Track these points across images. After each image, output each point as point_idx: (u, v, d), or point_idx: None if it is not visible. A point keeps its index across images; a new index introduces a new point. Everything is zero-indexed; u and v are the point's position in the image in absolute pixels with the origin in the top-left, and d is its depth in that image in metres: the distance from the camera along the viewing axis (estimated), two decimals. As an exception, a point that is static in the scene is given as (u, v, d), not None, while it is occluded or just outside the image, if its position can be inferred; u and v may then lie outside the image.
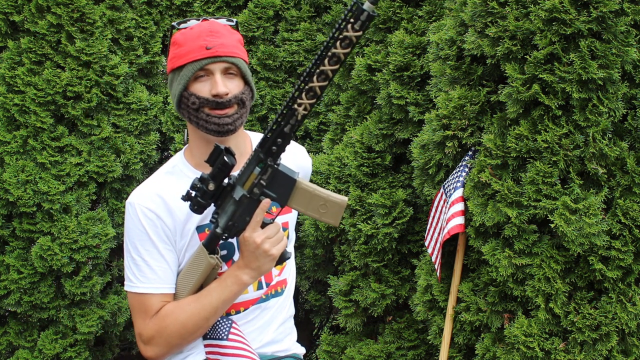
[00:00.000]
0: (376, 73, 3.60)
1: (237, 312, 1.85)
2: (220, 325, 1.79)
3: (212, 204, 1.70)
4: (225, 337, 1.78)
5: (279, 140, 1.62)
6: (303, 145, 4.44)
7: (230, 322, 1.80)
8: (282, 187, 1.68)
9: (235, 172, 1.71)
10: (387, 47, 3.60)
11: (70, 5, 3.93)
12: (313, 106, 1.58)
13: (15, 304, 3.91)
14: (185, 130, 3.27)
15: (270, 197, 1.68)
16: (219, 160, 1.64)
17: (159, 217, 1.72)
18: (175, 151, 4.49)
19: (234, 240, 1.81)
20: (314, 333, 4.99)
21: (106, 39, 4.05)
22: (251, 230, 1.67)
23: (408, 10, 3.61)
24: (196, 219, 1.76)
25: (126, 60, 4.26)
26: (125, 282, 1.78)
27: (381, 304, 3.51)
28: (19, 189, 3.81)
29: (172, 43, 1.76)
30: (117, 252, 4.33)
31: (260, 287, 1.87)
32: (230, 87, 1.72)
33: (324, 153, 3.95)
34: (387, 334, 3.57)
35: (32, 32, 3.96)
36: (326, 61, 1.53)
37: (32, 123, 3.88)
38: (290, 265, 1.99)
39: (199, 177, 1.66)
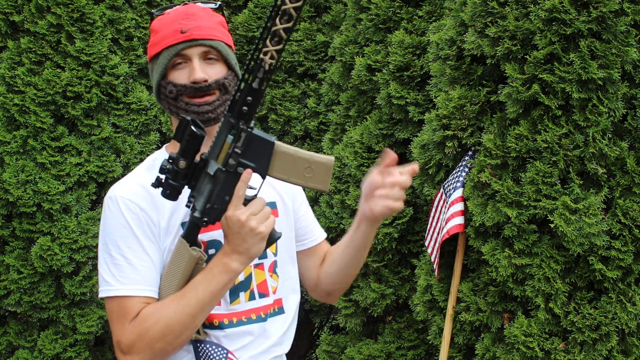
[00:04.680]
0: (376, 73, 3.59)
1: (221, 323, 1.61)
2: (214, 355, 1.60)
3: (187, 187, 1.50)
4: None
5: (249, 98, 1.44)
6: (303, 145, 4.43)
7: (225, 351, 1.61)
8: (260, 154, 1.49)
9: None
10: (387, 47, 3.59)
11: (70, 5, 3.92)
12: (280, 53, 1.41)
13: (15, 304, 3.91)
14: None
15: (248, 167, 1.49)
16: (186, 132, 1.45)
17: (144, 210, 1.55)
18: (175, 151, 4.48)
19: (220, 237, 1.60)
20: (314, 333, 4.98)
21: (106, 39, 4.05)
22: (234, 207, 1.47)
23: (408, 10, 3.61)
24: (181, 214, 1.58)
25: (126, 60, 4.26)
26: (100, 289, 1.56)
27: (381, 304, 3.50)
28: (19, 189, 3.81)
29: (150, 31, 1.63)
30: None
31: (252, 297, 1.65)
32: (210, 72, 1.57)
33: (324, 153, 3.95)
34: (387, 334, 3.57)
35: (32, 32, 3.96)
36: (287, 0, 1.36)
37: (32, 123, 3.88)
38: (288, 285, 1.75)
39: (167, 158, 1.48)
